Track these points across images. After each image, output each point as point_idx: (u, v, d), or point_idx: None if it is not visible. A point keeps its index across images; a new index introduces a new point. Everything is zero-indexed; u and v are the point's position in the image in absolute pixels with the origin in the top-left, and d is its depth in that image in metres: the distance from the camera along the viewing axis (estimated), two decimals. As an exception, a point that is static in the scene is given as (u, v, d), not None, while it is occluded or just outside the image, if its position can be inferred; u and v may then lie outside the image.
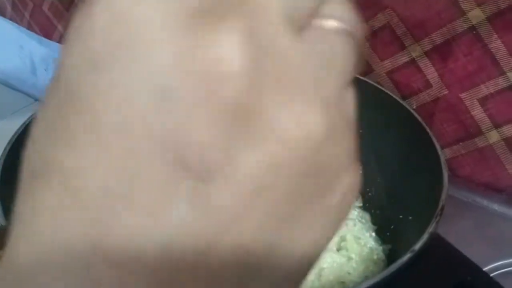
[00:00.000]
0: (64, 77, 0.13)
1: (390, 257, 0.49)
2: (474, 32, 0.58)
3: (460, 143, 0.64)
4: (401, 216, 0.51)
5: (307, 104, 0.13)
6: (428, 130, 0.51)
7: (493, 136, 0.62)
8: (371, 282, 0.36)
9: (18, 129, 0.49)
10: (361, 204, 0.58)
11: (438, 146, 0.48)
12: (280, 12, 0.13)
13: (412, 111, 0.54)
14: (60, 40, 1.04)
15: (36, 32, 1.12)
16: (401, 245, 0.48)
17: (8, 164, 0.45)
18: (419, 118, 0.52)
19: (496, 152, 0.62)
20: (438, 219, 0.41)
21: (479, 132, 0.62)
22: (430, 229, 0.40)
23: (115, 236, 0.12)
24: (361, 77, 0.61)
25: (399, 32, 0.62)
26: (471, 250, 0.48)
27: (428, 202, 0.45)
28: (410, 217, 0.50)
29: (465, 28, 0.58)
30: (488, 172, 0.65)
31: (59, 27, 1.02)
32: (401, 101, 0.56)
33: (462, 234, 0.56)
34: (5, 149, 0.47)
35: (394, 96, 0.57)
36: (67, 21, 0.99)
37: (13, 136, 0.49)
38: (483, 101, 0.61)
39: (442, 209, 0.42)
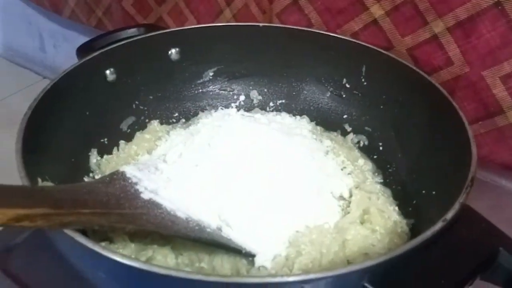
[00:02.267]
0: None
1: (413, 232, 0.49)
2: (500, 7, 0.56)
3: (480, 122, 0.63)
4: (424, 191, 0.51)
5: None
6: (454, 103, 0.50)
7: (514, 115, 0.61)
8: (403, 249, 0.35)
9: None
10: (382, 180, 0.57)
11: (464, 119, 0.48)
12: None
13: (437, 85, 0.53)
14: (71, 15, 1.03)
15: (46, 8, 1.10)
16: (425, 219, 0.47)
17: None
18: (444, 92, 0.52)
19: (516, 132, 0.62)
20: (469, 190, 0.40)
21: (500, 111, 0.61)
22: (461, 199, 0.39)
23: None
24: (384, 51, 0.60)
25: (422, 7, 0.61)
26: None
27: (455, 175, 0.44)
28: (434, 192, 0.49)
29: (490, 4, 0.57)
30: (507, 151, 0.64)
31: (70, 2, 1.00)
32: (425, 75, 0.55)
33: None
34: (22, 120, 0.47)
35: (418, 71, 0.56)
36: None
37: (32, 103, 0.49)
38: (505, 79, 0.59)
39: (473, 179, 0.41)
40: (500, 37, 0.58)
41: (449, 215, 0.38)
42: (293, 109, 0.68)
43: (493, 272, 0.37)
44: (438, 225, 0.37)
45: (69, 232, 0.36)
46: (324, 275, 0.33)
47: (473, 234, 0.38)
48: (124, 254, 0.41)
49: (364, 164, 0.58)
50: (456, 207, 0.38)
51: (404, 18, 0.63)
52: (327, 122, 0.65)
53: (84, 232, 0.47)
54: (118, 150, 0.60)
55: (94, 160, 0.58)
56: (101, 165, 0.58)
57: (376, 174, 0.58)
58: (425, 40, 0.63)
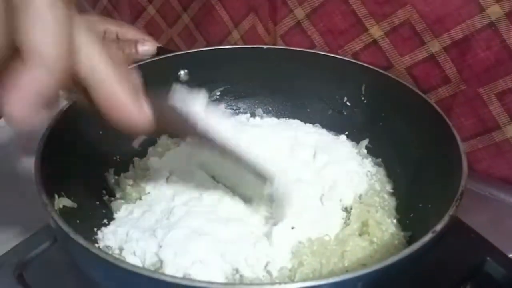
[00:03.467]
0: None
1: (411, 244, 0.51)
2: (493, 28, 0.59)
3: (478, 138, 0.66)
4: (420, 205, 0.53)
5: None
6: (447, 120, 0.52)
7: (510, 131, 0.63)
8: (395, 259, 0.37)
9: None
10: (392, 190, 0.59)
11: (457, 136, 0.50)
12: None
13: (432, 103, 0.55)
14: None
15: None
16: (422, 232, 0.49)
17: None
18: (439, 110, 0.54)
19: (513, 146, 0.64)
20: (458, 203, 0.42)
21: (496, 127, 0.64)
22: (450, 212, 0.41)
23: None
24: (382, 71, 0.62)
25: (419, 28, 0.64)
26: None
27: (448, 190, 0.46)
28: (430, 205, 0.51)
29: (484, 24, 0.59)
30: (505, 166, 0.66)
31: None
32: (421, 94, 0.58)
33: (479, 227, 0.57)
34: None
35: (415, 90, 0.59)
36: None
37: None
38: (500, 95, 0.62)
39: (462, 193, 0.43)
40: (495, 55, 0.60)
41: (439, 227, 0.40)
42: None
43: (481, 281, 0.39)
44: (428, 237, 0.39)
45: (82, 242, 0.39)
46: (315, 283, 0.35)
47: (462, 245, 0.41)
48: (135, 264, 0.44)
49: (376, 172, 0.61)
50: (445, 219, 0.41)
51: (402, 39, 0.66)
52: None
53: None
54: (134, 167, 0.63)
55: (112, 180, 0.60)
56: (120, 182, 0.60)
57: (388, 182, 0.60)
58: (423, 59, 0.66)
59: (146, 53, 0.68)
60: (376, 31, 0.67)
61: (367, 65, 0.63)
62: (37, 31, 0.30)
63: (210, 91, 0.71)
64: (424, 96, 0.58)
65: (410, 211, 0.54)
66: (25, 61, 0.30)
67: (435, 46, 0.64)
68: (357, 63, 0.65)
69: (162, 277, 0.37)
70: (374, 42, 0.68)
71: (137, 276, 0.37)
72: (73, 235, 0.40)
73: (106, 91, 0.35)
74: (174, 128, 0.48)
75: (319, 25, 0.72)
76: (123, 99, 0.36)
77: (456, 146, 0.49)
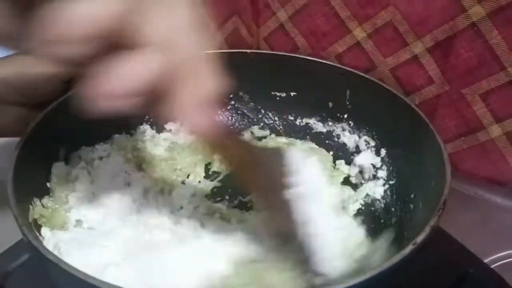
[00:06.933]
0: None
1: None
2: (475, 28, 0.59)
3: (462, 138, 0.66)
4: (407, 211, 0.53)
5: None
6: (430, 126, 0.52)
7: (495, 131, 0.63)
8: (374, 272, 0.37)
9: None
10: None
11: (441, 142, 0.50)
12: None
13: (414, 107, 0.55)
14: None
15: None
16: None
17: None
18: (422, 114, 0.54)
19: (498, 146, 0.64)
20: (440, 213, 0.42)
21: (480, 127, 0.64)
22: (432, 223, 0.41)
23: None
24: (365, 75, 0.62)
25: (402, 29, 0.63)
26: (474, 243, 0.50)
27: (432, 197, 0.46)
28: (415, 213, 0.51)
29: (466, 25, 0.59)
30: (490, 166, 0.66)
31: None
32: (403, 97, 0.57)
33: (465, 227, 0.57)
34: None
35: (396, 93, 0.58)
36: None
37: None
38: (484, 96, 0.62)
39: (445, 203, 0.43)
40: (477, 56, 0.60)
41: (420, 238, 0.39)
42: (283, 132, 0.70)
43: (463, 291, 0.40)
44: (408, 248, 0.39)
45: (61, 264, 0.38)
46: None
47: (444, 256, 0.41)
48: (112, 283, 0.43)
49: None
50: (426, 230, 0.40)
51: (385, 40, 0.65)
52: (317, 144, 0.68)
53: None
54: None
55: None
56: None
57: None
58: (406, 60, 0.65)
59: None
60: (359, 33, 0.67)
61: (351, 69, 0.63)
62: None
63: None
64: (405, 98, 0.57)
65: (395, 218, 0.54)
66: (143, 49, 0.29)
67: (418, 47, 0.63)
68: (341, 67, 0.64)
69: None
70: (358, 44, 0.68)
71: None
72: (42, 250, 0.39)
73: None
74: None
75: (302, 27, 0.71)
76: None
77: (439, 152, 0.48)
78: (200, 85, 0.32)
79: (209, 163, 0.64)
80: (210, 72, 0.33)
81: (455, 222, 0.53)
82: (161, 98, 0.32)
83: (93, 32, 0.27)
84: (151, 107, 0.32)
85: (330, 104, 0.66)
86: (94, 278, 0.35)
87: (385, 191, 0.58)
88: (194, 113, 0.32)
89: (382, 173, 0.60)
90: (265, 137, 0.69)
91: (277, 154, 0.47)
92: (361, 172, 0.62)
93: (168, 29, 0.30)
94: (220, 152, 0.44)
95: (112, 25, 0.28)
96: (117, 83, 0.29)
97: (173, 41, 0.30)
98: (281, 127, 0.70)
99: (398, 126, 0.58)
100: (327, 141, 0.67)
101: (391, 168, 0.59)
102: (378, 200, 0.58)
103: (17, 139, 0.50)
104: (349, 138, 0.65)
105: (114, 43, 0.29)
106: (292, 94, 0.68)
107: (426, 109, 0.56)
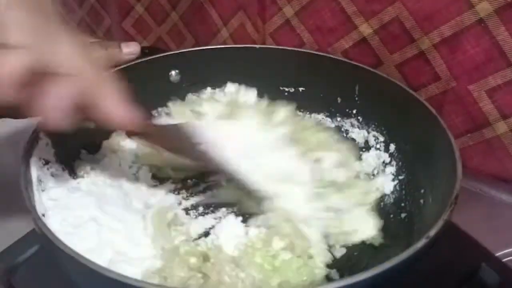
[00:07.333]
0: None
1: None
2: (482, 24, 0.59)
3: (468, 135, 0.66)
4: (417, 206, 0.53)
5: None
6: (441, 120, 0.52)
7: (501, 127, 0.63)
8: (387, 266, 0.37)
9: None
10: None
11: (451, 137, 0.50)
12: None
13: (424, 101, 0.55)
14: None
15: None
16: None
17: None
18: (432, 109, 0.54)
19: (504, 143, 0.64)
20: (453, 208, 0.42)
21: (486, 123, 0.64)
22: (444, 217, 0.41)
23: None
24: (374, 70, 0.62)
25: (408, 26, 0.63)
26: (480, 239, 0.50)
27: (443, 191, 0.46)
28: (426, 208, 0.51)
29: (473, 21, 0.59)
30: (496, 162, 0.66)
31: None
32: (413, 92, 0.57)
33: (471, 223, 0.57)
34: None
35: (405, 88, 0.58)
36: None
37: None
38: (491, 92, 0.62)
39: (457, 197, 0.43)
40: (484, 52, 0.60)
41: (432, 232, 0.40)
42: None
43: (476, 286, 0.39)
44: (421, 242, 0.39)
45: (71, 252, 0.38)
46: None
47: (456, 250, 0.41)
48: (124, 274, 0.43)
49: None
50: (439, 224, 0.40)
51: (392, 36, 0.65)
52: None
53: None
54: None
55: None
56: None
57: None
58: (412, 56, 0.65)
59: (130, 52, 0.67)
60: (365, 29, 0.67)
61: (359, 64, 0.63)
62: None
63: (202, 90, 0.70)
64: (414, 93, 0.57)
65: (406, 214, 0.54)
66: (58, 78, 0.39)
67: (424, 43, 0.63)
68: (350, 62, 0.64)
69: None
70: (364, 39, 0.68)
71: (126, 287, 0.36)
72: (57, 242, 0.39)
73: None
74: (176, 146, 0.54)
75: (308, 23, 0.71)
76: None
77: (450, 147, 0.48)
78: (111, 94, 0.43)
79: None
80: (115, 88, 0.44)
81: (460, 218, 0.53)
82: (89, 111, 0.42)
83: (14, 82, 0.36)
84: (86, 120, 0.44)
85: (339, 100, 0.66)
86: (109, 271, 0.35)
87: (394, 187, 0.58)
88: (117, 116, 0.44)
89: (392, 169, 0.60)
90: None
91: (185, 127, 0.55)
92: (370, 167, 0.62)
93: (70, 61, 0.40)
94: (149, 141, 0.54)
95: (28, 72, 0.37)
96: (52, 101, 0.39)
97: (78, 68, 0.40)
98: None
99: (407, 121, 0.58)
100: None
101: (400, 163, 0.59)
102: (388, 195, 0.58)
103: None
104: (358, 134, 0.65)
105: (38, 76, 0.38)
106: (300, 89, 0.68)
107: (432, 106, 0.56)
